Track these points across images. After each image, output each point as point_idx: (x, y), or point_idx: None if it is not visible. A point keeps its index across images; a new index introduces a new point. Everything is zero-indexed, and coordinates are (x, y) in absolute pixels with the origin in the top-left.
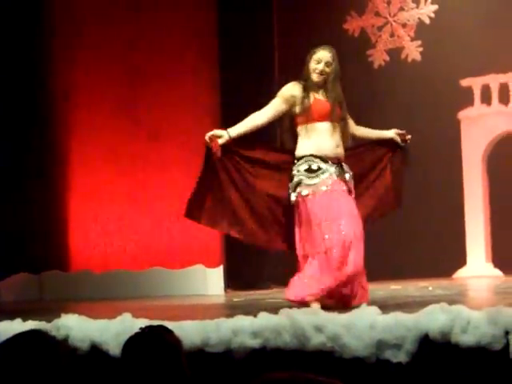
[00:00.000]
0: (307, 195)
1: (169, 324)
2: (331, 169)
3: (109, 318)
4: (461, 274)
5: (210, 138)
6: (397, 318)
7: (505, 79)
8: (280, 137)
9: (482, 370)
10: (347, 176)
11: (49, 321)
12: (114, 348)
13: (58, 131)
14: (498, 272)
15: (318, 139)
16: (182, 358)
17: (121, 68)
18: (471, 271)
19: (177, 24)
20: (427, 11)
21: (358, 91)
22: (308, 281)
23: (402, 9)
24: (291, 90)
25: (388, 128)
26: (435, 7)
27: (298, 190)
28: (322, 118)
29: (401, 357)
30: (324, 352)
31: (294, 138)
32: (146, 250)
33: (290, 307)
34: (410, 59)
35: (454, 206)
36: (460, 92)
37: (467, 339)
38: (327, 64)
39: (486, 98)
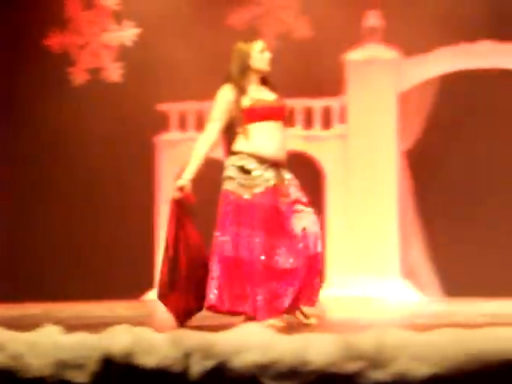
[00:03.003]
0: (238, 194)
1: None
2: (267, 173)
3: None
4: (150, 296)
5: (179, 190)
6: (80, 337)
7: (201, 107)
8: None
9: None
10: (287, 179)
11: None
12: None
13: None
14: None
15: (258, 139)
16: None
17: None
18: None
19: None
20: (129, 34)
21: (58, 108)
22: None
23: (104, 30)
24: (226, 98)
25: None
26: (137, 31)
27: (228, 186)
28: (264, 118)
29: (82, 377)
30: (6, 371)
31: (232, 139)
32: None
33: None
34: (110, 80)
35: (145, 230)
36: (157, 116)
37: (149, 361)
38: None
39: (183, 124)
